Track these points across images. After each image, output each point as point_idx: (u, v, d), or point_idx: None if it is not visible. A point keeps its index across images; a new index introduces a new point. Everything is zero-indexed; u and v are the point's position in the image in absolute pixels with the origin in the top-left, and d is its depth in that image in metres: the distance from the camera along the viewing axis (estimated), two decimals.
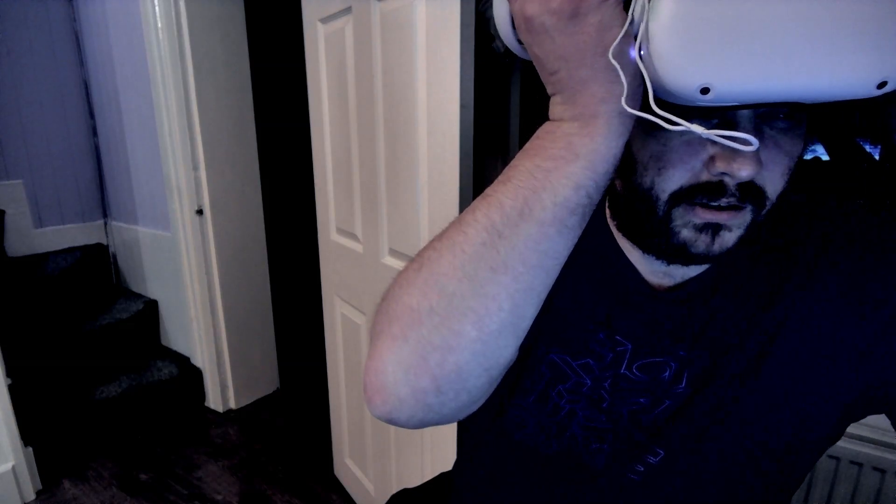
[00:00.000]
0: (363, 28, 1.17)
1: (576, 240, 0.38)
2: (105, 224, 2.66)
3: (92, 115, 2.51)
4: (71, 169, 2.51)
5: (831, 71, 0.29)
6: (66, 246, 2.50)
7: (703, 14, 0.30)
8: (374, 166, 1.23)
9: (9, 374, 1.69)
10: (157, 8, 1.90)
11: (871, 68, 0.29)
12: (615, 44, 0.32)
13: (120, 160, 2.44)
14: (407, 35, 1.03)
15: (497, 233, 0.36)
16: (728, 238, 0.41)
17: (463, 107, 0.93)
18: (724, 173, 0.38)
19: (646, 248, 0.48)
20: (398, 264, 1.23)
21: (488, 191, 0.38)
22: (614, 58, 0.32)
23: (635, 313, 0.51)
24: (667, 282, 0.51)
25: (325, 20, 1.35)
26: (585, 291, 0.53)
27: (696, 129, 0.32)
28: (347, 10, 1.23)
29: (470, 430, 0.69)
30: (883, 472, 1.15)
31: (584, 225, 0.37)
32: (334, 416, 1.75)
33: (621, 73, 0.33)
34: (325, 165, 1.49)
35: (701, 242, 0.41)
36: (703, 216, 0.40)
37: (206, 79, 2.01)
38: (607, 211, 0.53)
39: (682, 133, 0.37)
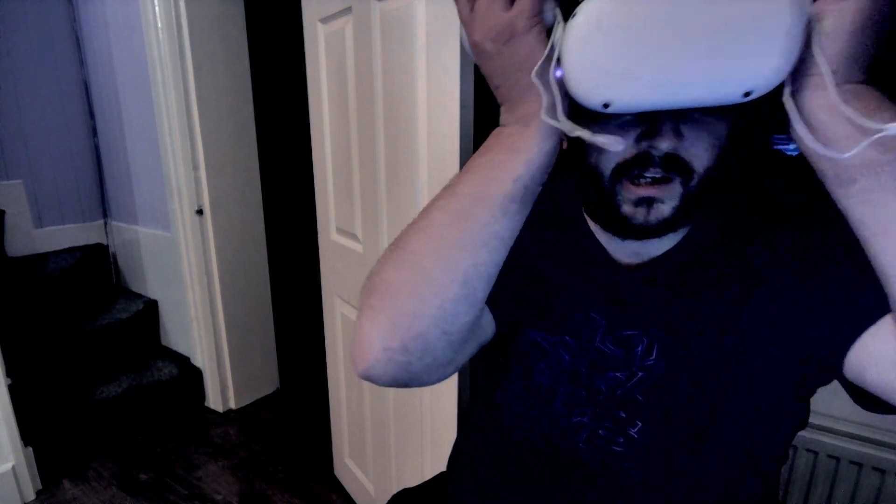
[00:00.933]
0: (363, 28, 1.17)
1: (519, 224, 0.45)
2: (105, 224, 2.66)
3: (92, 115, 2.51)
4: (71, 169, 2.51)
5: (705, 85, 0.36)
6: (66, 246, 2.49)
7: (600, 47, 0.37)
8: (375, 166, 1.23)
9: (9, 374, 1.69)
10: (157, 8, 1.90)
11: (737, 81, 0.35)
12: (536, 67, 0.40)
13: (120, 160, 2.44)
14: (407, 35, 1.03)
15: (457, 217, 0.44)
16: (663, 209, 0.47)
17: (463, 107, 0.93)
18: (649, 146, 0.45)
19: (604, 225, 0.54)
20: None
21: (451, 181, 0.46)
22: (538, 77, 0.40)
23: (607, 291, 0.56)
24: (635, 261, 0.56)
25: (325, 20, 1.35)
26: (563, 275, 0.59)
27: (583, 133, 0.40)
28: (347, 11, 1.23)
29: (465, 423, 0.72)
30: (883, 472, 1.15)
31: (525, 211, 0.45)
32: (334, 416, 1.75)
33: (542, 89, 0.41)
34: (325, 165, 1.49)
35: (639, 214, 0.48)
36: (637, 192, 0.47)
37: (206, 79, 2.01)
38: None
39: (618, 116, 0.45)
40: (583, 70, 0.38)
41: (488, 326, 0.56)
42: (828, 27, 0.34)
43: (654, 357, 0.53)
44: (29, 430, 1.78)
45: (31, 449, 1.78)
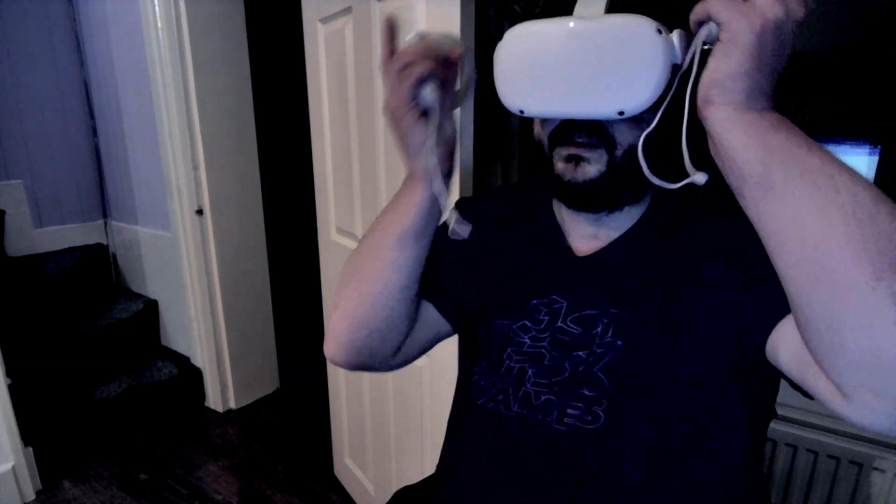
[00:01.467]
0: (363, 28, 1.17)
1: (418, 252, 0.59)
2: (105, 224, 2.66)
3: (92, 115, 2.51)
4: (71, 169, 2.51)
5: (588, 104, 0.48)
6: (66, 246, 2.49)
7: (512, 72, 0.52)
8: (375, 166, 1.23)
9: (9, 374, 1.69)
10: (157, 8, 1.90)
11: (611, 103, 0.47)
12: (425, 147, 0.52)
13: (120, 160, 2.44)
14: (408, 35, 1.03)
15: (373, 246, 0.61)
16: (589, 170, 0.55)
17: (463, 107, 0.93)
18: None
19: (553, 191, 0.61)
20: None
21: (376, 218, 0.62)
22: (422, 152, 0.54)
23: (569, 274, 0.62)
24: (594, 245, 0.62)
25: (325, 20, 1.35)
26: (527, 265, 0.66)
27: (441, 198, 0.55)
28: (348, 10, 1.23)
29: (452, 420, 0.76)
30: (883, 472, 1.15)
31: (421, 242, 0.58)
32: (334, 416, 1.75)
33: (426, 164, 0.53)
34: (325, 165, 1.49)
35: (568, 171, 0.55)
36: (567, 150, 0.55)
37: (206, 79, 2.01)
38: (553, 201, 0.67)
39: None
40: (503, 87, 0.53)
41: (437, 322, 0.70)
42: (724, 69, 0.40)
43: (610, 335, 0.57)
44: (29, 430, 1.78)
45: (31, 449, 1.78)
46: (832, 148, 1.15)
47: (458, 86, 0.54)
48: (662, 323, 0.55)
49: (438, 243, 0.75)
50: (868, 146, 1.06)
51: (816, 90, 1.17)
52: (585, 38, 0.47)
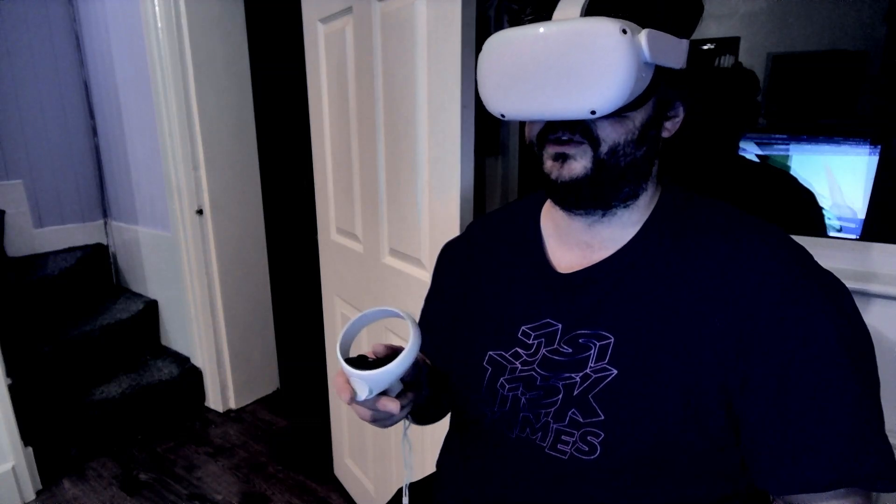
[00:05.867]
0: (364, 28, 1.17)
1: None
2: (105, 224, 2.66)
3: (92, 115, 2.51)
4: (71, 169, 2.51)
5: (561, 105, 0.49)
6: (66, 246, 2.50)
7: (490, 80, 0.54)
8: (375, 166, 1.23)
9: (9, 374, 1.69)
10: (157, 8, 1.90)
11: (582, 103, 0.48)
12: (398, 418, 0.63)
13: (120, 160, 2.44)
14: (408, 35, 1.03)
15: None
16: (574, 167, 0.54)
17: (464, 106, 0.93)
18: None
19: (546, 194, 0.61)
20: (399, 264, 1.23)
21: None
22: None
23: (558, 296, 0.61)
24: (587, 259, 0.60)
25: (325, 20, 1.35)
26: (512, 295, 0.65)
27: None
28: (348, 10, 1.23)
29: (451, 425, 0.76)
30: None
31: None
32: (334, 416, 1.75)
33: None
34: (325, 165, 1.49)
35: (555, 169, 0.55)
36: (553, 149, 0.55)
37: (206, 79, 2.01)
38: (542, 215, 0.68)
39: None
40: (484, 93, 0.55)
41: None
42: None
43: (605, 361, 0.56)
44: (29, 430, 1.78)
45: (31, 449, 1.78)
46: (832, 148, 1.15)
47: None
48: (656, 351, 0.53)
49: (427, 310, 0.80)
50: (868, 146, 1.06)
51: (816, 90, 1.17)
52: (553, 41, 0.48)
